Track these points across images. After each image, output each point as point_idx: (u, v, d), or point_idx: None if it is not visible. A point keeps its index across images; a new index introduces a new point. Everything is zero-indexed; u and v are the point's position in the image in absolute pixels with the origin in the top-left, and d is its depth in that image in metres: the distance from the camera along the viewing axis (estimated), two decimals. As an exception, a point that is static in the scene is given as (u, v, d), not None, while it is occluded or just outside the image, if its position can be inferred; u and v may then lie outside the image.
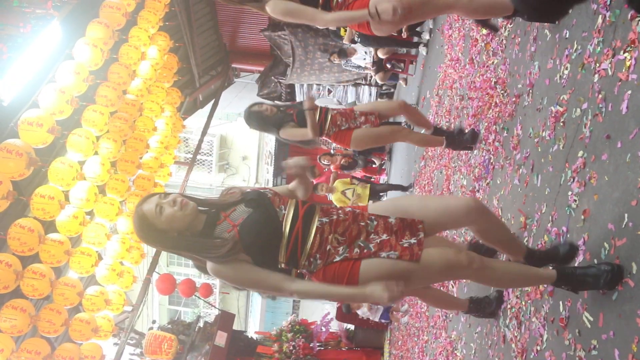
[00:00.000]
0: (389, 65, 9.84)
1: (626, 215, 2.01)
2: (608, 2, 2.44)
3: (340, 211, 2.26)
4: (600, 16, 2.49)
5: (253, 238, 2.14)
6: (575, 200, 2.44)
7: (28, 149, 5.28)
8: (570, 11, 2.75)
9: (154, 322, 9.28)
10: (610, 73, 2.32)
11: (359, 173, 11.26)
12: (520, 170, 3.25)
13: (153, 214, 2.14)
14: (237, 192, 2.29)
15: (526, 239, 2.98)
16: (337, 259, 2.13)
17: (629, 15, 2.22)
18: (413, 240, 2.13)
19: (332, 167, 10.46)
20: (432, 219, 2.22)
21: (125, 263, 7.22)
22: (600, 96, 2.36)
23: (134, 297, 8.62)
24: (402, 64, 9.80)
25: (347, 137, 4.47)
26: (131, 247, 7.09)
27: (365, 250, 2.13)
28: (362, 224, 2.19)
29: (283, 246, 2.16)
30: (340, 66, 10.98)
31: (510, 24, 3.87)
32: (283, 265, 2.19)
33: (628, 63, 2.18)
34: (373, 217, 2.22)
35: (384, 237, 2.15)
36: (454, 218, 2.27)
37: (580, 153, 2.46)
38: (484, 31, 4.57)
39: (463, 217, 2.25)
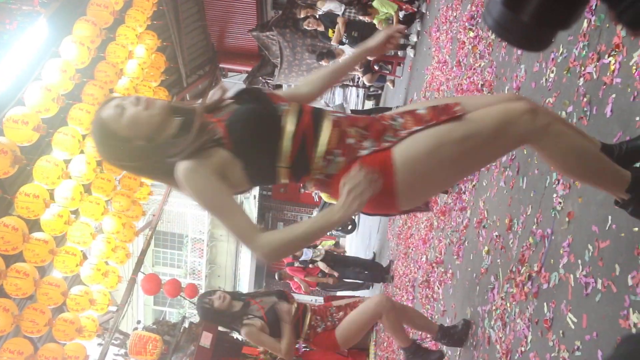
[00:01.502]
0: (376, 67, 9.87)
1: (610, 217, 2.03)
2: (593, 7, 2.47)
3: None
4: (585, 20, 2.52)
5: (243, 129, 1.69)
6: (560, 203, 2.46)
7: (13, 146, 5.24)
8: (553, 40, 2.77)
9: (138, 322, 9.22)
10: (595, 77, 2.35)
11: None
12: (507, 172, 3.27)
13: (113, 118, 1.73)
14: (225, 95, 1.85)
15: (511, 240, 3.00)
16: (364, 152, 1.69)
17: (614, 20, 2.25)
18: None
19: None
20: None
21: (110, 263, 7.19)
22: (585, 99, 2.39)
23: (118, 297, 8.58)
24: (389, 66, 9.83)
25: (332, 338, 3.75)
26: (116, 246, 7.06)
27: (396, 140, 1.69)
28: (386, 123, 1.75)
29: (285, 145, 1.69)
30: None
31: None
32: (283, 169, 1.73)
33: (612, 67, 2.21)
34: (397, 116, 1.77)
35: (416, 128, 1.70)
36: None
37: (565, 156, 2.48)
38: (471, 34, 4.60)
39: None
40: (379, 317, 3.50)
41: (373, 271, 8.11)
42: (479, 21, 4.55)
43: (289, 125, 1.71)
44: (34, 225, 6.07)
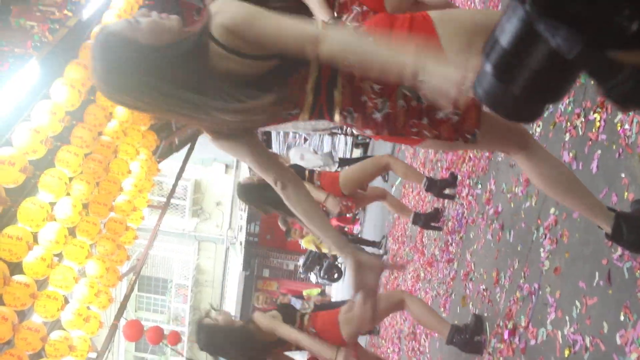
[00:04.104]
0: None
1: (597, 273, 2.02)
2: (579, 65, 2.52)
3: None
4: (571, 78, 2.56)
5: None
6: (547, 257, 2.46)
7: (-2, 187, 5.19)
8: (544, 112, 2.82)
9: (118, 369, 9.00)
10: (580, 132, 2.38)
11: (332, 222, 11.26)
12: (493, 225, 3.27)
13: (129, 27, 1.42)
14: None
15: (498, 294, 2.98)
16: (378, 115, 1.62)
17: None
18: None
19: None
20: None
21: (92, 308, 7.04)
22: (571, 154, 2.41)
23: (99, 342, 8.36)
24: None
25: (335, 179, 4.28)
26: (99, 291, 6.93)
27: (414, 103, 1.60)
28: None
29: (309, 101, 1.61)
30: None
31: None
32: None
33: (597, 124, 2.24)
34: None
35: None
36: None
37: (552, 210, 2.49)
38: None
39: None
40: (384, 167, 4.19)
41: None
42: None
43: None
44: (15, 267, 5.96)
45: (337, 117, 1.63)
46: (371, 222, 10.03)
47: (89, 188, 6.53)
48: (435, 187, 4.36)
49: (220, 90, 1.45)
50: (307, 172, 4.39)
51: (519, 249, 2.83)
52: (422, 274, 4.97)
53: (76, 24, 6.25)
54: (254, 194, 4.08)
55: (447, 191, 4.36)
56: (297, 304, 8.74)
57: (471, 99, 1.56)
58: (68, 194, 6.33)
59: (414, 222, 4.72)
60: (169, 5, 9.77)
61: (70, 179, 6.29)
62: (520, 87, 0.93)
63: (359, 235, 10.57)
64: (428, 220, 4.67)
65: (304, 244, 9.08)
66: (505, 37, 0.89)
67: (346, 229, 11.06)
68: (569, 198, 1.84)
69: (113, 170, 7.60)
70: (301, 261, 10.80)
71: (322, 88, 1.58)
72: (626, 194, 1.96)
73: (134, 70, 1.39)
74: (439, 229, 4.59)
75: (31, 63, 5.43)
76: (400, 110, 1.59)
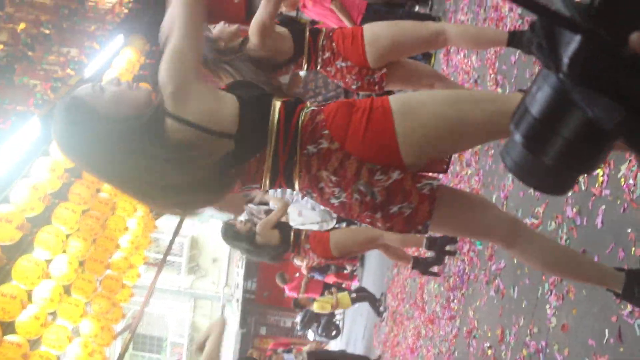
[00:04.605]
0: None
1: (607, 330, 1.98)
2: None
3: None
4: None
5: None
6: (554, 314, 2.42)
7: (-6, 245, 5.14)
8: (575, 184, 2.85)
9: None
10: (583, 187, 2.38)
11: (330, 278, 11.15)
12: (496, 281, 3.24)
13: (91, 94, 1.43)
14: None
15: (504, 352, 2.92)
16: (335, 201, 1.68)
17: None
18: (436, 183, 1.64)
19: (303, 269, 10.36)
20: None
21: (85, 368, 6.88)
22: (574, 210, 2.40)
23: (91, 405, 8.14)
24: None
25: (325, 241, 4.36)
26: (93, 350, 6.78)
27: (367, 199, 1.63)
28: None
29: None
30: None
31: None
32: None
33: (601, 179, 2.24)
34: None
35: (395, 175, 1.64)
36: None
37: (557, 266, 2.47)
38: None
39: None
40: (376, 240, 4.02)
41: None
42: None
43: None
44: (8, 327, 5.85)
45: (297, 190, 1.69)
46: (369, 278, 9.94)
47: (85, 245, 6.48)
48: (436, 244, 4.33)
49: (176, 166, 1.45)
50: (292, 235, 4.40)
51: (523, 305, 2.79)
52: (423, 331, 4.89)
53: (78, 82, 6.32)
54: (230, 238, 4.38)
55: (448, 247, 4.33)
56: (289, 358, 8.55)
57: (425, 192, 1.59)
58: (64, 251, 6.27)
59: (414, 267, 4.66)
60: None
61: (67, 235, 6.25)
62: (553, 158, 0.87)
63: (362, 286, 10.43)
64: (428, 265, 4.60)
65: (317, 308, 8.95)
66: (537, 107, 0.85)
67: (344, 285, 10.95)
68: (574, 275, 1.85)
69: (110, 227, 7.56)
70: (299, 318, 10.63)
71: (280, 171, 1.63)
72: (633, 249, 1.94)
73: (86, 137, 1.41)
74: (437, 275, 4.56)
75: (32, 120, 5.47)
76: (355, 202, 1.62)
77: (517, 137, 0.89)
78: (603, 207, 2.18)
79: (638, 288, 1.72)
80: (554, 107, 0.84)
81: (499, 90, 3.76)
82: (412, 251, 5.37)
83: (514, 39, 2.97)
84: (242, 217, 4.49)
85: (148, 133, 1.42)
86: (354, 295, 9.08)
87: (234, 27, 3.18)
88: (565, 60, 0.78)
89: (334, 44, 3.05)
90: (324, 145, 1.58)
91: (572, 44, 0.77)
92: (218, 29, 3.18)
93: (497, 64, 4.01)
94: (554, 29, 0.80)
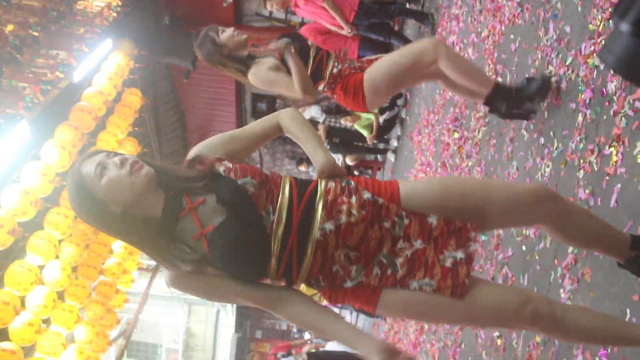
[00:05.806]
0: (356, 173, 9.95)
1: (628, 310, 1.93)
2: (587, 101, 2.49)
3: (353, 203, 1.59)
4: (580, 114, 2.53)
5: (227, 259, 1.57)
6: (569, 298, 2.36)
7: (-15, 251, 5.03)
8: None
9: None
10: (596, 168, 2.32)
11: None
12: (504, 270, 3.17)
13: (92, 175, 1.57)
14: (206, 167, 1.72)
15: (515, 340, 2.86)
16: (349, 284, 1.60)
17: (611, 112, 2.26)
18: (459, 255, 1.59)
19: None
20: (496, 210, 1.65)
21: (81, 376, 6.76)
22: (587, 191, 2.35)
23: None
24: (369, 171, 9.92)
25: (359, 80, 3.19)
26: (89, 357, 6.67)
27: (389, 272, 1.58)
28: (387, 224, 1.60)
29: (273, 266, 1.59)
30: (308, 173, 11.07)
31: (484, 127, 3.95)
32: (275, 283, 1.66)
33: (615, 157, 2.18)
34: (404, 214, 1.61)
35: (418, 244, 1.59)
36: (523, 208, 1.67)
37: (570, 249, 2.41)
38: (456, 135, 4.65)
39: (533, 205, 1.67)
40: (427, 62, 2.88)
41: None
42: (463, 122, 4.62)
43: (277, 247, 1.57)
44: (1, 334, 5.73)
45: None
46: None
47: (78, 250, 6.38)
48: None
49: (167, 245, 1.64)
50: None
51: (535, 291, 2.73)
52: (427, 325, 4.83)
53: (67, 85, 6.23)
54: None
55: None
56: None
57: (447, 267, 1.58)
58: (57, 257, 6.17)
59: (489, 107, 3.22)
60: (159, 69, 9.87)
61: (60, 241, 6.15)
62: None
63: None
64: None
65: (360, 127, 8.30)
66: None
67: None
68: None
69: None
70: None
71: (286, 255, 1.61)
72: (653, 225, 1.89)
73: (86, 211, 1.62)
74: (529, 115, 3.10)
75: (22, 124, 5.36)
76: (374, 279, 1.59)
77: (624, 26, 0.85)
78: (618, 185, 2.12)
79: None
80: None
81: (499, 79, 3.71)
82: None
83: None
84: None
85: (128, 227, 1.63)
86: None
87: (243, 37, 3.13)
88: None
89: (335, 96, 3.21)
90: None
91: None
92: (227, 35, 3.11)
93: (496, 54, 3.97)
94: None
